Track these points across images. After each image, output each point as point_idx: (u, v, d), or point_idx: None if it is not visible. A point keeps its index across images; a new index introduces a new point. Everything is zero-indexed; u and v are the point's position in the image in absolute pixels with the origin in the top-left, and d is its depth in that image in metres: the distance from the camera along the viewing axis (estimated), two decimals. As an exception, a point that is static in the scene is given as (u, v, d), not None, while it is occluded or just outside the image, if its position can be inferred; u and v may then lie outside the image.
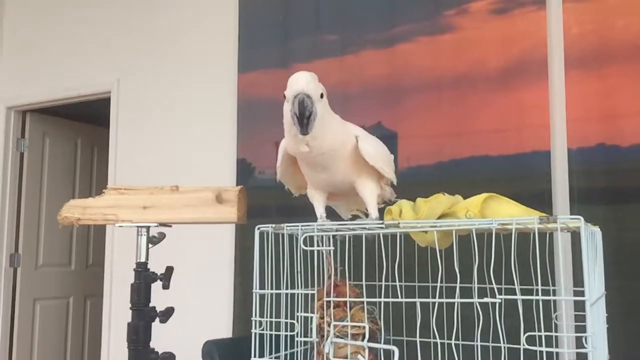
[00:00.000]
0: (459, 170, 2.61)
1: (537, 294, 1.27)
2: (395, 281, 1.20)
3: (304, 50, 3.03)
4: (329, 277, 1.34)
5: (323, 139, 1.25)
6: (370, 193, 1.37)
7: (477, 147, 2.58)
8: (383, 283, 1.30)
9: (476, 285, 1.10)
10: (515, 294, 1.10)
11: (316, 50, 2.99)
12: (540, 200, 2.41)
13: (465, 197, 1.43)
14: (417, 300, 1.08)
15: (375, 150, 1.34)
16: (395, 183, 1.45)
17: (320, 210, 1.42)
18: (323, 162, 1.31)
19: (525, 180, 2.46)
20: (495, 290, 1.07)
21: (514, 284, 1.13)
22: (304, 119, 1.20)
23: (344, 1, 2.96)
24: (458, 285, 1.08)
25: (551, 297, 1.10)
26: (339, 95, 2.92)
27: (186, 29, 3.45)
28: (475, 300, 1.02)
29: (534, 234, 1.06)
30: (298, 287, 1.28)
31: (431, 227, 1.10)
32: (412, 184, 2.69)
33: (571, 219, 1.04)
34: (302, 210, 2.90)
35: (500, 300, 1.01)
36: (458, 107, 2.63)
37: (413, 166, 2.73)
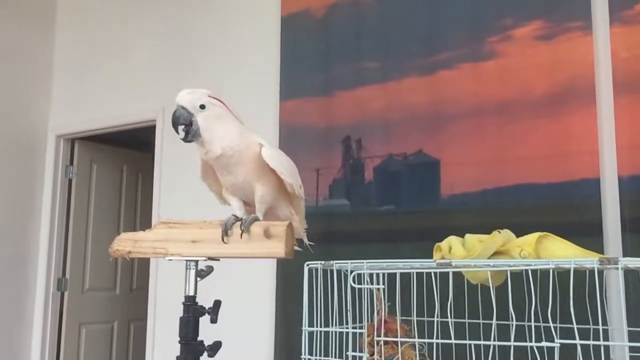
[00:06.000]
0: (504, 198, 2.56)
1: (592, 334, 1.23)
2: (445, 318, 1.18)
3: (346, 77, 3.04)
4: (378, 314, 1.32)
5: (212, 144, 1.42)
6: (260, 195, 1.48)
7: (523, 175, 2.53)
8: (434, 319, 1.28)
9: (533, 325, 1.07)
10: (569, 331, 1.07)
11: (358, 77, 3.01)
12: (590, 230, 2.35)
13: (512, 228, 1.40)
14: (470, 342, 1.06)
15: (277, 155, 1.49)
16: (296, 191, 1.52)
17: (235, 210, 1.53)
18: (222, 165, 1.45)
19: (574, 209, 2.39)
20: (552, 330, 1.04)
21: (565, 323, 1.09)
22: (178, 127, 1.41)
23: (385, 28, 2.97)
24: (513, 326, 1.05)
25: (610, 343, 1.06)
26: (381, 122, 2.93)
27: (229, 58, 3.52)
28: (534, 344, 0.99)
29: (589, 274, 1.03)
30: (346, 324, 1.27)
31: (486, 266, 1.08)
32: (455, 212, 2.66)
33: (632, 261, 1.00)
34: (344, 238, 2.92)
35: (558, 345, 0.98)
36: (503, 133, 2.60)
37: (457, 194, 2.69)
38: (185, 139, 1.42)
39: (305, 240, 1.69)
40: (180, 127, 1.41)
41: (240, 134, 1.46)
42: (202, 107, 1.41)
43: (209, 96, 1.43)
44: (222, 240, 1.39)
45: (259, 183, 1.47)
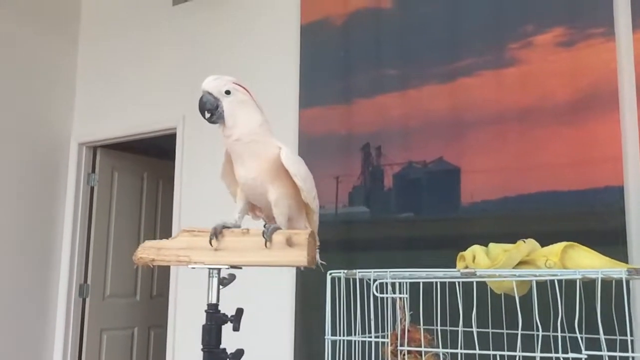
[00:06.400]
0: (526, 206, 2.54)
1: (619, 345, 1.22)
2: (468, 327, 1.17)
3: (365, 85, 3.05)
4: (401, 323, 1.32)
5: (235, 127, 1.46)
6: (274, 199, 1.48)
7: (546, 182, 2.50)
8: (458, 329, 1.27)
9: (559, 335, 1.05)
10: (593, 342, 1.06)
11: (377, 85, 3.01)
12: (614, 238, 2.31)
13: (534, 236, 1.39)
14: (495, 352, 1.05)
15: (295, 158, 1.49)
16: (310, 201, 1.52)
17: (235, 210, 1.55)
18: (239, 151, 1.47)
19: (597, 217, 2.36)
20: (579, 341, 1.03)
21: (589, 333, 1.08)
22: (204, 112, 1.45)
23: (405, 35, 2.97)
24: (539, 336, 1.04)
25: (638, 355, 1.04)
26: (401, 130, 2.92)
27: (249, 66, 3.54)
28: (560, 355, 0.98)
29: (615, 284, 1.01)
30: (368, 333, 1.27)
31: (511, 276, 1.07)
32: (476, 219, 2.64)
33: (661, 270, 0.99)
34: (364, 245, 2.92)
35: (585, 356, 0.96)
36: (524, 141, 2.58)
37: (477, 201, 2.67)
38: (209, 120, 1.46)
39: (317, 257, 1.67)
40: (206, 112, 1.46)
41: (262, 124, 1.50)
42: (228, 92, 1.46)
43: (233, 83, 1.48)
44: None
45: (272, 186, 1.47)
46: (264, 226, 1.44)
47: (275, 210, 1.49)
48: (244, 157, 1.48)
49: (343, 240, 2.99)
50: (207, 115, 1.46)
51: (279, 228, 1.43)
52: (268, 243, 1.38)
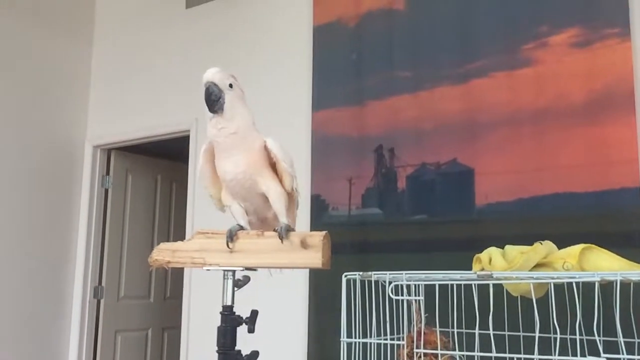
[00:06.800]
0: (541, 208, 2.52)
1: (637, 348, 1.20)
2: (485, 330, 1.16)
3: (378, 87, 3.04)
4: (417, 325, 1.31)
5: (232, 121, 1.47)
6: (266, 189, 1.49)
7: (561, 184, 2.49)
8: (475, 331, 1.26)
9: (578, 338, 1.04)
10: (610, 345, 1.05)
11: (390, 87, 3.00)
12: (630, 240, 2.29)
13: (549, 238, 1.37)
14: (512, 355, 1.04)
15: (281, 146, 1.50)
16: (294, 186, 1.52)
17: (239, 218, 1.54)
18: (228, 146, 1.48)
19: (613, 218, 2.34)
20: (598, 344, 1.02)
21: (607, 336, 1.07)
22: (210, 102, 1.45)
23: (418, 37, 2.97)
24: (557, 339, 1.03)
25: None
26: (414, 131, 2.91)
27: (261, 68, 3.55)
28: (579, 358, 0.97)
29: (633, 286, 1.00)
30: (383, 335, 1.26)
31: (529, 279, 1.06)
32: (491, 221, 2.62)
33: (682, 273, 0.97)
34: (377, 247, 2.91)
35: (605, 359, 0.95)
36: (539, 142, 2.56)
37: (492, 203, 2.66)
38: (211, 110, 1.47)
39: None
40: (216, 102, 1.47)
41: (253, 122, 1.53)
42: (230, 86, 1.48)
43: (233, 77, 1.50)
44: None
45: (261, 177, 1.49)
46: (275, 228, 1.44)
47: (270, 201, 1.50)
48: (232, 151, 1.48)
49: (356, 242, 2.99)
50: (213, 107, 1.48)
51: (290, 227, 1.43)
52: (285, 240, 1.38)
